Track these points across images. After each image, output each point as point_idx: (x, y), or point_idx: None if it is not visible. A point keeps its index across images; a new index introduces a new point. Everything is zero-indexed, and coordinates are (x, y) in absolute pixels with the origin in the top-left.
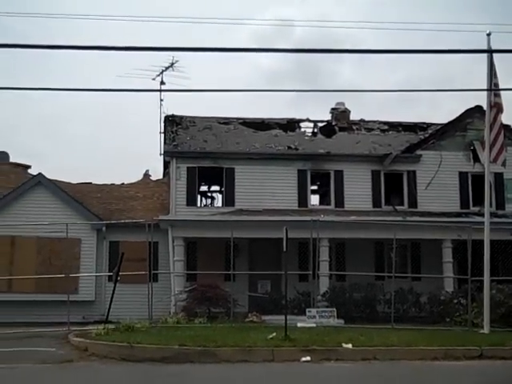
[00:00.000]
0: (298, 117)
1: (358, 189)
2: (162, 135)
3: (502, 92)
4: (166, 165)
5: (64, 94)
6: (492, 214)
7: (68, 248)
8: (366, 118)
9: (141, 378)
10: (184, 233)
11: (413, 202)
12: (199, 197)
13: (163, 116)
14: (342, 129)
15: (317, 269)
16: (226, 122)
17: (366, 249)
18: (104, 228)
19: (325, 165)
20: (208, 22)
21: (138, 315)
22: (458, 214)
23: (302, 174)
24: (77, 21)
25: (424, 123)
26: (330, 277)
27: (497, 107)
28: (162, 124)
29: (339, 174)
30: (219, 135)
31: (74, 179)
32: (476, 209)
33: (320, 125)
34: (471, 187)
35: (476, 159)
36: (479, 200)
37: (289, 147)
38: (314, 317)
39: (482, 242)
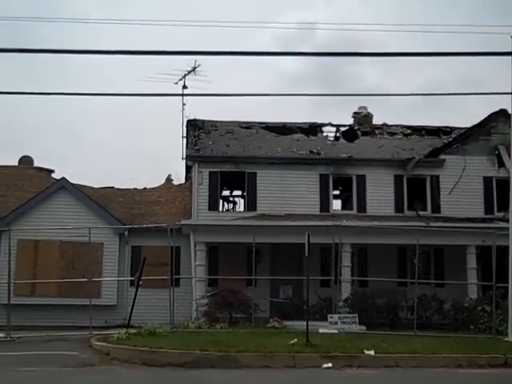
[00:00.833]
0: (320, 121)
1: (380, 194)
2: (185, 140)
3: None
4: (188, 169)
5: (86, 98)
6: None
7: (90, 252)
8: (389, 122)
9: (162, 383)
10: (206, 237)
11: (436, 208)
12: (221, 201)
13: (185, 120)
14: (364, 133)
15: (339, 274)
16: (248, 126)
17: (389, 254)
18: (126, 232)
19: (347, 169)
20: (229, 25)
21: (159, 320)
22: (483, 220)
23: (323, 179)
24: (96, 25)
25: (447, 127)
26: (351, 282)
27: None
28: (185, 128)
29: (361, 179)
30: (241, 139)
31: (97, 184)
32: (501, 214)
33: (342, 129)
34: (496, 192)
35: (501, 164)
36: (504, 205)
37: (311, 152)
38: (336, 323)
39: (506, 247)
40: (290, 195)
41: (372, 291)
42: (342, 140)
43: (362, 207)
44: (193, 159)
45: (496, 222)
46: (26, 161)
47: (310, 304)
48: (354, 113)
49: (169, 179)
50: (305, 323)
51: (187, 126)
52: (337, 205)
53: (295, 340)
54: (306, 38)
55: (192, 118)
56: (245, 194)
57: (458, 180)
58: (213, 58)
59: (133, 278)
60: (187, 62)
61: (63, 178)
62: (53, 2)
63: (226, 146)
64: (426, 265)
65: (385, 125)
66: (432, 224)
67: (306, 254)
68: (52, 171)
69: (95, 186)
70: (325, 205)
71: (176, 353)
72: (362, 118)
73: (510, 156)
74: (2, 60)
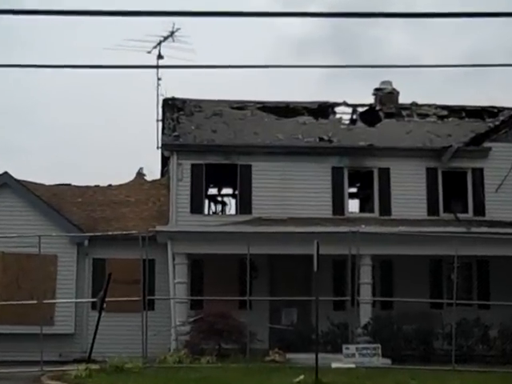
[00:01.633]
0: (332, 99)
1: (408, 191)
2: (160, 124)
3: None
4: (165, 161)
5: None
6: None
7: (41, 267)
8: (420, 101)
9: None
10: (187, 248)
11: (479, 209)
12: (207, 202)
13: (161, 99)
14: (388, 115)
15: (356, 294)
16: (241, 106)
17: (420, 268)
18: (86, 242)
19: (366, 161)
20: None
21: (129, 352)
22: None
23: (337, 173)
24: None
25: (494, 107)
26: (373, 304)
27: None
28: (160, 109)
29: (385, 173)
30: (232, 123)
31: (50, 180)
32: None
33: (360, 110)
34: None
35: None
36: None
37: (320, 139)
38: (353, 355)
39: None
40: (294, 194)
41: (398, 315)
42: (359, 124)
43: (385, 209)
44: (171, 148)
45: None
46: None
47: (320, 332)
48: (376, 89)
49: (140, 174)
50: (313, 356)
51: (163, 107)
52: (353, 206)
53: (301, 377)
54: None
55: (169, 96)
56: (237, 192)
57: (508, 174)
58: (196, 19)
59: (95, 300)
60: (163, 25)
61: (5, 174)
62: None
63: (212, 131)
64: (466, 281)
65: (414, 104)
66: (474, 229)
67: (315, 268)
68: None
69: (48, 182)
70: (338, 206)
71: None
72: (386, 95)
73: None
74: None
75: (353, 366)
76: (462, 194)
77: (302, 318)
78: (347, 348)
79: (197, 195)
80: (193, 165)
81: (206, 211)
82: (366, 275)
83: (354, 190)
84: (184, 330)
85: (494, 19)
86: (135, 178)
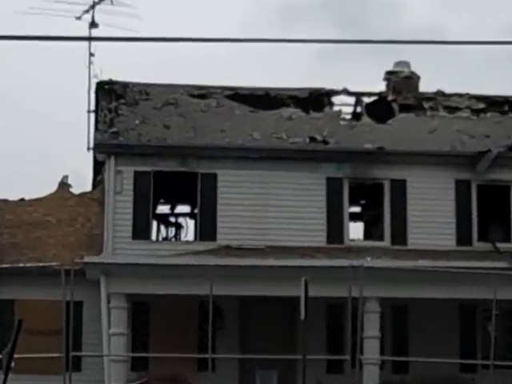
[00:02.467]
0: (328, 86)
1: (431, 212)
2: (93, 116)
3: None
4: (99, 167)
5: None
6: None
7: None
8: (448, 90)
9: None
10: (128, 286)
11: None
12: (155, 224)
13: (94, 83)
14: (404, 107)
15: (359, 352)
16: (204, 93)
17: (446, 317)
18: None
19: (374, 170)
20: None
21: None
22: None
23: (334, 186)
24: None
25: None
26: (381, 365)
27: None
28: (93, 97)
29: (399, 187)
30: (191, 117)
31: None
32: None
33: (367, 100)
34: None
35: None
36: None
37: (312, 139)
38: None
39: None
40: (274, 214)
41: (415, 380)
42: (365, 119)
43: (399, 235)
44: (106, 150)
45: None
46: None
47: None
48: (388, 72)
49: (64, 184)
50: None
51: (97, 93)
52: (356, 231)
53: None
54: None
55: (106, 78)
56: (196, 211)
57: None
58: None
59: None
60: None
61: None
62: None
63: (164, 127)
64: (508, 334)
65: (440, 94)
66: None
67: (303, 315)
68: None
69: None
70: (335, 230)
71: None
72: (401, 81)
73: None
74: None
75: None
76: (503, 216)
77: (285, 383)
78: None
79: (142, 214)
80: (137, 173)
81: (153, 236)
82: (371, 326)
83: (356, 209)
84: None
85: None
86: (57, 189)
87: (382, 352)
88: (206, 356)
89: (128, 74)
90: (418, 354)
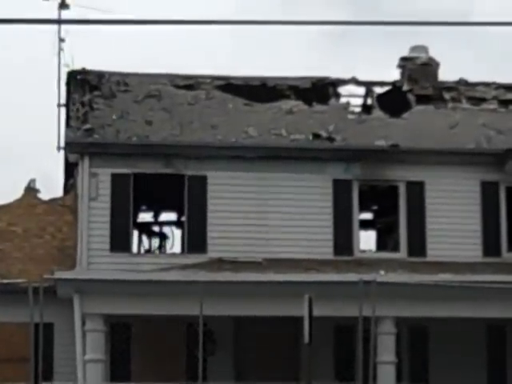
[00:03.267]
0: (334, 75)
1: (453, 219)
2: (63, 110)
3: None
4: (71, 170)
5: None
6: None
7: None
8: (472, 78)
9: None
10: (105, 306)
11: None
12: (136, 234)
13: (65, 72)
14: (422, 99)
15: (371, 379)
16: (192, 84)
17: (472, 339)
18: None
19: (388, 171)
20: None
21: None
22: None
23: (341, 190)
24: None
25: None
26: None
27: None
28: (63, 88)
29: (416, 190)
30: (177, 111)
31: None
32: None
33: (379, 91)
34: None
35: None
36: None
37: (316, 135)
38: None
39: None
40: (273, 222)
41: None
42: (377, 112)
43: (416, 245)
44: (79, 150)
45: None
46: None
47: None
48: (403, 59)
49: (31, 189)
50: None
51: (69, 84)
52: (367, 240)
53: None
54: None
55: (78, 67)
56: (184, 219)
57: None
58: None
59: None
60: None
61: None
62: None
63: (146, 123)
64: None
65: (463, 83)
66: None
67: (306, 338)
68: None
69: None
70: (344, 240)
71: None
72: (419, 68)
73: None
74: None
75: None
76: None
77: None
78: None
79: (120, 223)
80: (114, 175)
81: (134, 248)
82: (386, 350)
83: (368, 215)
84: None
85: None
86: (23, 195)
87: (398, 379)
88: None
89: (104, 63)
90: (439, 381)
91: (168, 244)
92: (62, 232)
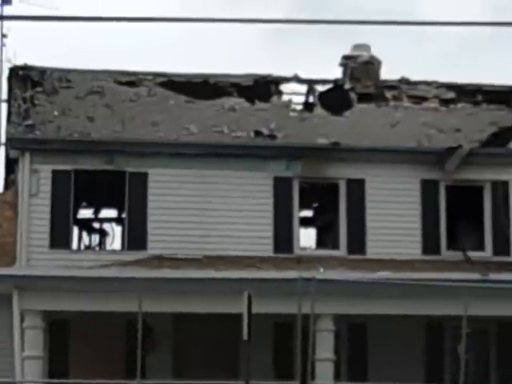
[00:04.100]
0: (276, 72)
1: (393, 217)
2: (4, 106)
3: None
4: (11, 166)
5: None
6: None
7: None
8: (413, 77)
9: None
10: (44, 302)
11: (502, 244)
12: (77, 230)
13: (6, 68)
14: (363, 97)
15: (310, 376)
16: (134, 80)
17: (410, 336)
18: None
19: (329, 168)
20: None
21: None
22: None
23: (282, 187)
24: None
25: None
26: None
27: None
28: (5, 84)
29: (357, 188)
30: (119, 108)
31: None
32: None
33: (321, 89)
34: None
35: None
36: None
37: (257, 133)
38: None
39: None
40: (214, 219)
41: None
42: (319, 110)
43: (356, 243)
44: (20, 145)
45: None
46: None
47: None
48: (345, 57)
49: None
50: None
51: (10, 80)
52: (307, 238)
53: None
54: None
55: (20, 63)
56: (124, 215)
57: None
58: None
59: None
60: None
61: None
62: None
63: (87, 119)
64: (481, 356)
65: (405, 81)
66: (494, 276)
67: (245, 335)
68: None
69: None
70: (284, 238)
71: None
72: (360, 67)
73: None
74: None
75: None
76: (475, 221)
77: None
78: None
79: (61, 220)
80: (55, 172)
81: (74, 245)
82: (325, 347)
83: (308, 213)
84: None
85: None
86: None
87: (336, 376)
88: (135, 382)
89: (46, 59)
90: (377, 378)
91: (108, 241)
92: (1, 228)
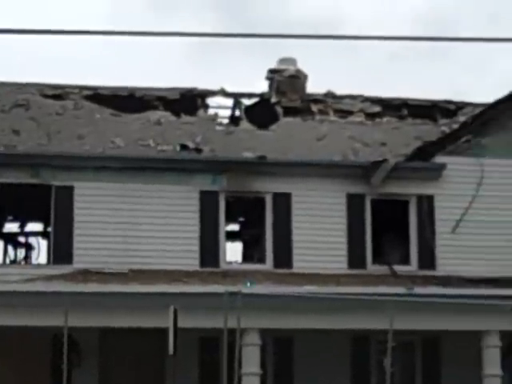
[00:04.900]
0: (202, 86)
1: (319, 231)
2: None
3: None
4: None
5: None
6: None
7: None
8: (339, 91)
9: None
10: None
11: (427, 258)
12: (2, 244)
13: None
14: (289, 111)
15: None
16: (60, 93)
17: (335, 350)
18: None
19: (255, 182)
20: None
21: None
22: None
23: (208, 201)
24: None
25: (450, 102)
26: None
27: None
28: None
29: (283, 202)
30: (45, 121)
31: None
32: None
33: (247, 102)
34: None
35: None
36: None
37: (183, 146)
38: None
39: None
40: (139, 233)
41: None
42: (245, 124)
43: (282, 257)
44: None
45: None
46: None
47: None
48: (271, 71)
49: None
50: None
51: None
52: (234, 252)
53: None
54: None
55: None
56: (50, 229)
57: (470, 205)
58: None
59: None
60: None
61: None
62: None
63: (13, 132)
64: (407, 370)
65: (330, 95)
66: (419, 290)
67: (171, 350)
68: None
69: None
70: (210, 252)
71: None
72: (286, 81)
73: None
74: None
75: None
76: (401, 235)
77: None
78: None
79: None
80: None
81: (0, 259)
82: (251, 361)
83: (234, 227)
84: None
85: None
86: None
87: None
88: None
89: None
90: None
91: (34, 255)
92: None
